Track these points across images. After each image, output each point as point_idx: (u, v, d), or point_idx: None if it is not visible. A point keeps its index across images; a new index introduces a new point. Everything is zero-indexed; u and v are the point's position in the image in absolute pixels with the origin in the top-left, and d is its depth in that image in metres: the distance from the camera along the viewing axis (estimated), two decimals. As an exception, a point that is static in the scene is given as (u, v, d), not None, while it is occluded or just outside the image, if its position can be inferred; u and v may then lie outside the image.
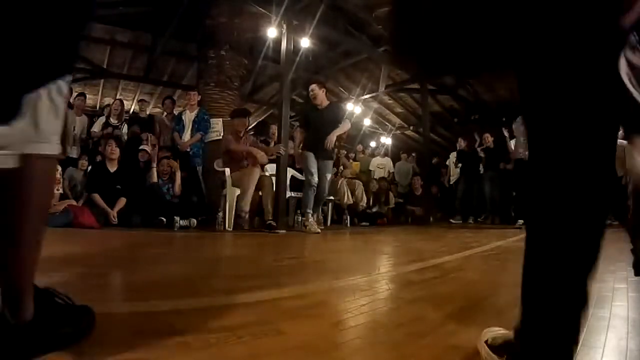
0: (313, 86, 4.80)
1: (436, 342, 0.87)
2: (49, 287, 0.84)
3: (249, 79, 7.82)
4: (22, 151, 0.62)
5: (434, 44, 0.72)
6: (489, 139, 7.14)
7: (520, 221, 5.59)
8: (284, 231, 4.37)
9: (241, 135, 4.82)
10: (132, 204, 4.47)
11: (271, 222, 4.40)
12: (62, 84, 0.66)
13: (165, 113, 6.10)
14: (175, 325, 0.92)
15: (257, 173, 4.58)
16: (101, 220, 4.18)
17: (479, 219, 6.97)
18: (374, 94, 8.83)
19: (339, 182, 5.77)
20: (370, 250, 2.91)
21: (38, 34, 0.60)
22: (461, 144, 7.77)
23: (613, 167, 0.62)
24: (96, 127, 5.80)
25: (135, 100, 8.97)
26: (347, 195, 5.59)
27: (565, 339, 0.60)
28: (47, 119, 0.65)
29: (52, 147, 0.67)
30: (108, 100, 8.33)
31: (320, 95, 4.77)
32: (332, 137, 4.68)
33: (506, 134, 6.73)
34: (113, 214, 4.26)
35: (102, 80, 9.13)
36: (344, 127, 4.96)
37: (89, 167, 4.90)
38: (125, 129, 5.77)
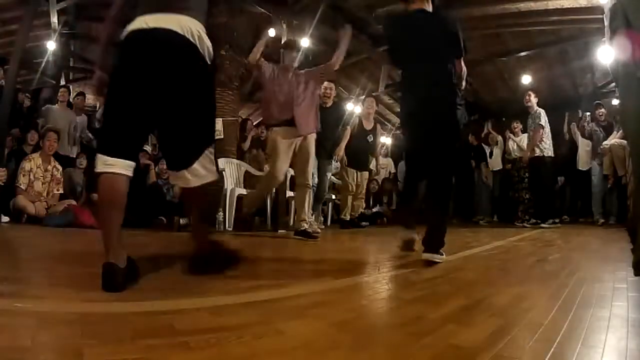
0: (331, 84, 4.76)
1: (436, 342, 0.87)
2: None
3: (249, 79, 7.81)
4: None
5: None
6: (470, 138, 7.08)
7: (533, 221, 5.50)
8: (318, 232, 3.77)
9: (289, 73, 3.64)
10: (132, 204, 4.47)
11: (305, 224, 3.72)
12: (211, 149, 1.56)
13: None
14: (175, 325, 0.91)
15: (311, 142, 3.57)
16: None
17: (479, 221, 6.94)
18: (374, 94, 8.83)
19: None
20: (370, 250, 2.91)
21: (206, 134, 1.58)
22: (473, 140, 7.62)
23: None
24: (99, 114, 5.90)
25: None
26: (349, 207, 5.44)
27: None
28: (209, 164, 1.54)
29: (213, 176, 1.55)
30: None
31: (332, 96, 4.80)
32: (341, 152, 4.92)
33: (509, 134, 6.71)
34: None
35: (102, 80, 9.12)
36: (347, 135, 5.03)
37: (88, 162, 4.91)
38: None
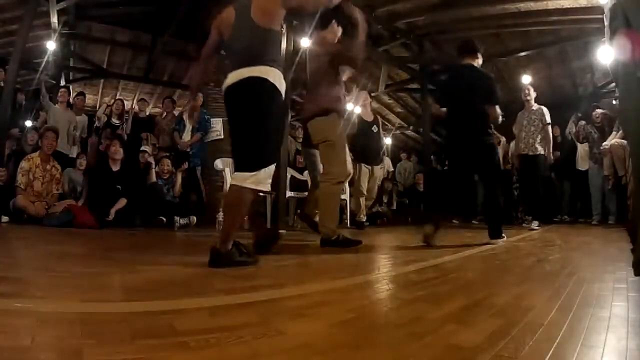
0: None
1: (436, 342, 0.87)
2: (238, 242, 1.91)
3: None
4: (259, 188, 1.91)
5: None
6: None
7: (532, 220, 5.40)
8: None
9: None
10: (132, 204, 4.47)
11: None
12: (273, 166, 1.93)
13: (164, 113, 6.10)
14: (175, 325, 0.91)
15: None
16: (99, 217, 4.18)
17: (474, 221, 6.88)
18: (373, 94, 8.84)
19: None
20: (370, 250, 2.90)
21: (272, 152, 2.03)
22: None
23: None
24: (100, 112, 5.94)
25: (135, 100, 8.98)
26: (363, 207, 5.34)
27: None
28: (267, 177, 1.90)
29: (268, 188, 1.95)
30: (108, 100, 8.33)
31: None
32: None
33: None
34: None
35: (102, 80, 9.13)
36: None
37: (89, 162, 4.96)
38: (127, 128, 5.76)
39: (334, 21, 3.13)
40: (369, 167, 5.14)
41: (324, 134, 2.89)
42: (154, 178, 4.79)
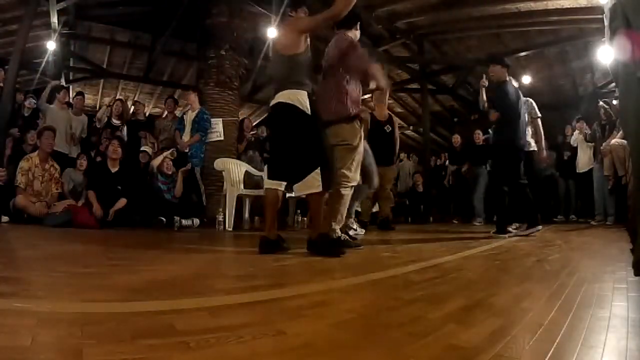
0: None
1: (436, 342, 0.87)
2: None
3: (248, 79, 7.82)
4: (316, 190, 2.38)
5: None
6: (479, 136, 6.78)
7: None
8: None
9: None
10: (132, 204, 4.47)
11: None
12: (318, 170, 2.34)
13: (165, 112, 6.09)
14: (175, 325, 0.91)
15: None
16: (99, 218, 4.17)
17: (475, 222, 6.86)
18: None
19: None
20: (370, 250, 2.90)
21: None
22: (457, 140, 7.45)
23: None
24: (100, 114, 5.91)
25: (133, 100, 8.98)
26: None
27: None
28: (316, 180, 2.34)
29: (318, 189, 2.35)
30: (109, 101, 8.33)
31: None
32: None
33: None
34: (100, 214, 4.23)
35: (102, 80, 9.13)
36: None
37: (89, 163, 4.92)
38: (125, 130, 5.75)
39: (358, 24, 2.98)
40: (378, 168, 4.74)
41: (344, 136, 2.82)
42: (158, 161, 4.75)
